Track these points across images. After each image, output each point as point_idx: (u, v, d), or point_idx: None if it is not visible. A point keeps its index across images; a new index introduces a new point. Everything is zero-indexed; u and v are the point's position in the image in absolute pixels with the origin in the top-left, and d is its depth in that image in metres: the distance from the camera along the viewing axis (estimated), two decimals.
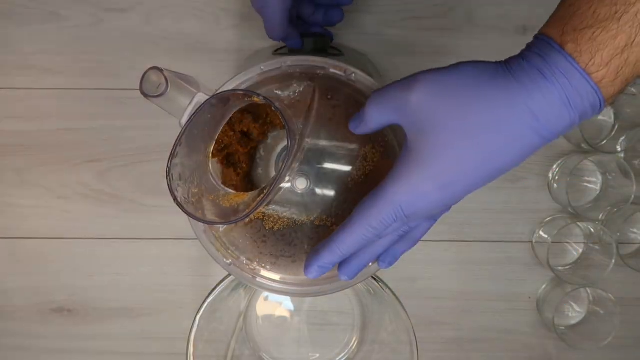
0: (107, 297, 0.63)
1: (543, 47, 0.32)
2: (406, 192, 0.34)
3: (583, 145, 0.58)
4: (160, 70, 0.34)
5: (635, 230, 0.63)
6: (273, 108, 0.33)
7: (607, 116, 0.62)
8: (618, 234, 0.58)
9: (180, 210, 0.35)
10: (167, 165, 0.34)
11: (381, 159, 0.43)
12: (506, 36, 0.60)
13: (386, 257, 0.40)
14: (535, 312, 0.63)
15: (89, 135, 0.62)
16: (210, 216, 0.36)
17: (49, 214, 0.62)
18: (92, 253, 0.63)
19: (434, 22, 0.61)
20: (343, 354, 0.63)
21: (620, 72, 0.30)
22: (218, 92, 0.36)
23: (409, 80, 0.34)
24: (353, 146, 0.43)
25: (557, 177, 0.61)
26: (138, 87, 0.35)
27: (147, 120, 0.61)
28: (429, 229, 0.39)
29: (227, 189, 0.38)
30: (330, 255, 0.37)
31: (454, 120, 0.32)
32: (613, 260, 0.58)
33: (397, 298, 0.52)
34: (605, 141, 0.61)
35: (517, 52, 0.34)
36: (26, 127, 0.62)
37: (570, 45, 0.30)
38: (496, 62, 0.33)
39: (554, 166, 0.61)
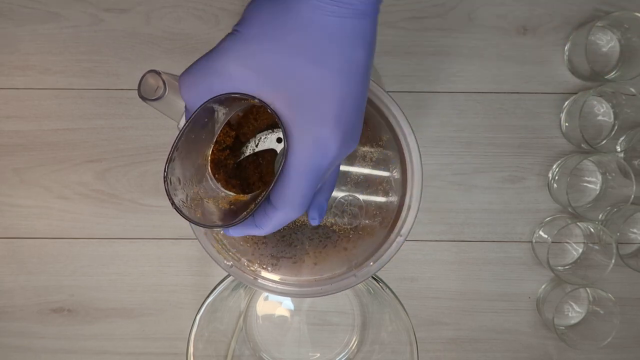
0: (107, 297, 0.63)
1: None
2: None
3: (583, 145, 0.58)
4: (158, 73, 0.34)
5: (635, 230, 0.63)
6: (269, 110, 0.33)
7: (607, 116, 0.62)
8: (618, 234, 0.58)
9: None
10: (165, 170, 0.34)
11: (379, 158, 0.43)
12: (506, 36, 0.60)
13: (313, 212, 0.37)
14: (535, 312, 0.63)
15: (89, 135, 0.62)
16: (209, 219, 0.36)
17: (49, 214, 0.62)
18: (92, 253, 0.63)
19: (434, 22, 0.61)
20: (343, 354, 0.63)
21: None
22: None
23: (215, 50, 0.34)
24: None
25: (557, 177, 0.61)
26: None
27: (147, 120, 0.61)
28: (338, 171, 0.37)
29: (226, 191, 0.38)
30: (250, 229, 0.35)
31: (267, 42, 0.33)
32: (613, 260, 0.58)
33: (397, 298, 0.52)
34: (605, 141, 0.61)
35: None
36: (26, 127, 0.62)
37: None
38: None
39: (554, 166, 0.61)
